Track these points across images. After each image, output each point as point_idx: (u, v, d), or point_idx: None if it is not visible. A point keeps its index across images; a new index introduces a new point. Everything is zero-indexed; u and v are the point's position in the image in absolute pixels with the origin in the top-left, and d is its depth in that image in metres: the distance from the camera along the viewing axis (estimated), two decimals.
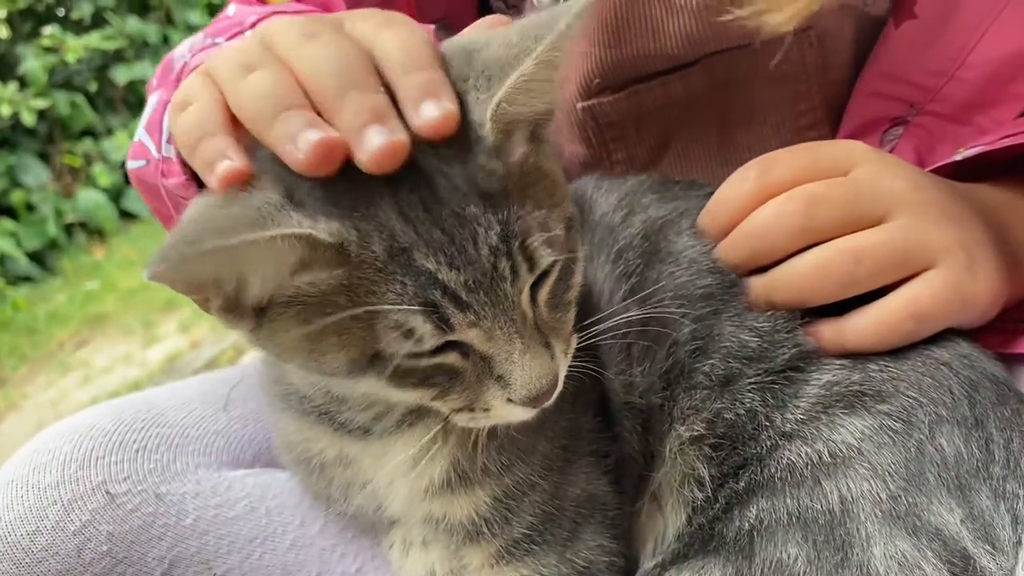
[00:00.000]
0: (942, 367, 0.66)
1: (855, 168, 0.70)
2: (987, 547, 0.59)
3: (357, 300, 0.51)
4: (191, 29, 5.38)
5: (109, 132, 4.94)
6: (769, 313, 0.70)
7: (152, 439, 0.74)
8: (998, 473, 0.62)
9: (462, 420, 0.59)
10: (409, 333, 0.52)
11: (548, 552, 0.67)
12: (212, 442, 0.78)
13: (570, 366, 0.62)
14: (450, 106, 0.52)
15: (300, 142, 0.49)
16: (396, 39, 0.55)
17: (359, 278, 0.51)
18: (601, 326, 0.65)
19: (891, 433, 0.63)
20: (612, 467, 0.71)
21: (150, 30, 5.17)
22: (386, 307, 0.51)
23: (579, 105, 0.92)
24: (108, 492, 0.69)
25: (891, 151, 0.84)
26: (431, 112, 0.51)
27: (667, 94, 0.90)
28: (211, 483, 0.74)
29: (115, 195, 4.87)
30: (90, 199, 4.68)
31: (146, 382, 3.32)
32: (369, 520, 0.75)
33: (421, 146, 0.52)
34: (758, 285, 0.70)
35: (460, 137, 0.53)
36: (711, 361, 0.69)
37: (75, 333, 3.89)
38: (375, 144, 0.50)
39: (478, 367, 0.56)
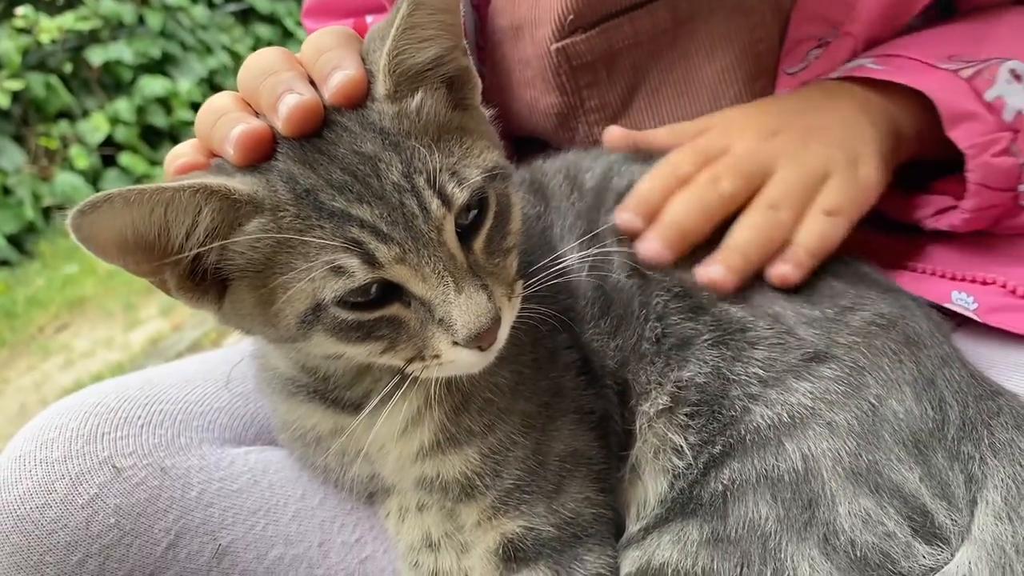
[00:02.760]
0: (872, 328, 0.71)
1: (733, 146, 0.82)
2: (944, 503, 0.63)
3: (291, 251, 0.57)
4: (167, 9, 5.33)
5: (85, 114, 4.87)
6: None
7: (156, 415, 0.76)
8: (952, 434, 0.66)
9: (417, 370, 0.63)
10: (339, 271, 0.56)
11: (537, 502, 0.70)
12: (215, 419, 0.80)
13: (540, 322, 0.67)
14: (352, 71, 0.60)
15: (230, 139, 0.58)
16: (309, 41, 0.64)
17: (286, 228, 0.57)
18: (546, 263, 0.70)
19: (840, 395, 0.67)
20: (596, 423, 0.74)
21: (125, 10, 5.10)
22: (310, 239, 0.56)
23: (553, 47, 0.96)
24: (114, 466, 0.71)
25: (805, 68, 0.92)
26: (335, 80, 0.59)
27: (635, 30, 0.94)
28: (214, 458, 0.77)
29: (93, 177, 4.82)
30: (67, 182, 4.62)
31: (128, 366, 3.31)
32: (365, 488, 0.78)
33: (342, 112, 0.60)
34: (722, 266, 0.75)
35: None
36: (650, 323, 0.74)
37: (55, 317, 3.86)
38: (286, 107, 0.58)
39: (420, 314, 0.60)
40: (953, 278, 0.81)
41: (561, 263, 0.70)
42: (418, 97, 0.61)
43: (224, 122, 0.59)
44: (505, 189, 0.65)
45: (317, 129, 0.59)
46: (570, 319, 0.74)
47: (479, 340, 0.60)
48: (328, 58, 0.61)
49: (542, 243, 0.77)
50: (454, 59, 0.64)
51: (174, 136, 5.36)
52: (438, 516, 0.72)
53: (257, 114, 0.62)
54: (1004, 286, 0.78)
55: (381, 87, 0.60)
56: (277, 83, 0.60)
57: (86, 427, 0.72)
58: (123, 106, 4.96)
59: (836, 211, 0.77)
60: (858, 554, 0.62)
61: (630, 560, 0.69)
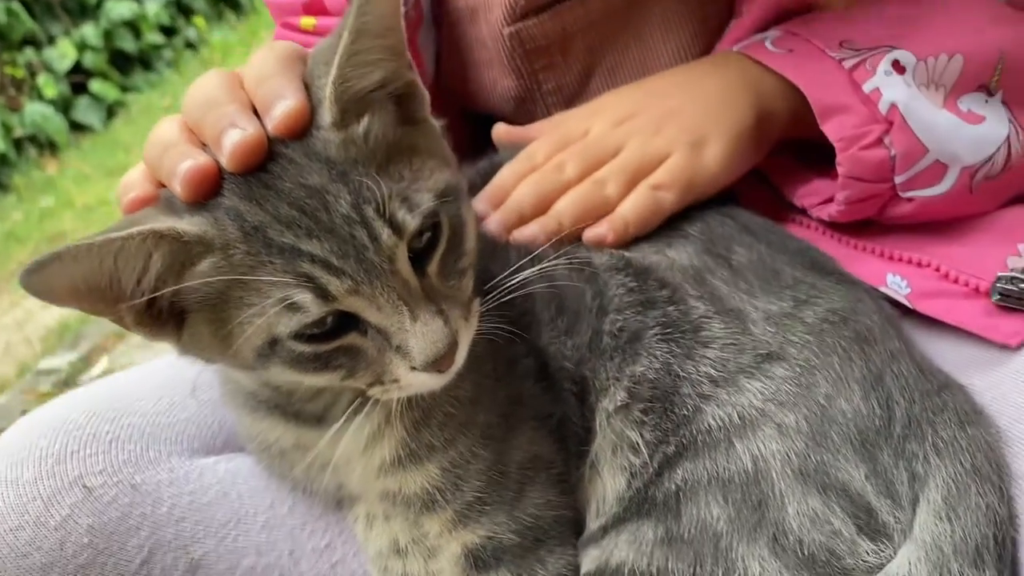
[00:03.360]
0: (824, 325, 0.72)
1: (590, 131, 0.86)
2: (888, 502, 0.65)
3: (244, 287, 0.57)
4: None
5: (51, 41, 4.75)
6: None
7: (124, 429, 0.77)
8: (898, 432, 0.68)
9: (377, 393, 0.64)
10: (293, 307, 0.56)
11: (498, 511, 0.72)
12: (183, 430, 0.81)
13: (497, 333, 0.68)
14: (292, 102, 0.58)
15: (177, 176, 0.57)
16: (252, 63, 0.63)
17: (238, 265, 0.56)
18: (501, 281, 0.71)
19: (791, 395, 0.69)
20: (556, 426, 0.75)
21: None
22: (262, 276, 0.56)
23: (506, 31, 0.95)
24: (85, 486, 0.72)
25: (723, 39, 0.94)
26: (277, 111, 0.58)
27: (587, 12, 0.94)
28: (184, 470, 0.78)
29: (64, 106, 4.73)
30: (37, 111, 4.54)
31: None
32: (333, 496, 0.80)
33: (286, 143, 0.59)
34: (537, 225, 0.81)
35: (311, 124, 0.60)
36: (609, 316, 0.75)
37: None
38: (229, 144, 0.57)
39: (377, 342, 0.60)
40: (891, 257, 0.82)
41: (518, 277, 0.70)
42: (365, 121, 0.60)
43: (171, 156, 0.59)
44: (458, 210, 0.65)
45: (262, 162, 0.58)
46: (527, 323, 0.75)
47: (437, 365, 0.60)
48: (270, 87, 0.60)
49: (496, 252, 0.78)
50: (400, 76, 0.64)
51: (144, 61, 5.24)
52: (404, 524, 0.74)
53: (204, 144, 0.61)
54: (938, 269, 0.79)
55: (327, 115, 0.59)
56: (220, 117, 0.59)
57: (55, 446, 0.73)
58: (90, 31, 4.84)
59: (663, 186, 0.82)
60: (806, 553, 0.64)
61: (590, 559, 0.71)
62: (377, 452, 0.70)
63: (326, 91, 0.59)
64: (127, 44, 5.05)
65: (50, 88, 4.60)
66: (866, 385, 0.69)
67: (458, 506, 0.72)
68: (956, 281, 0.78)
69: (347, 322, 0.59)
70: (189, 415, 0.83)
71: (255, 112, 0.60)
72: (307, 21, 1.01)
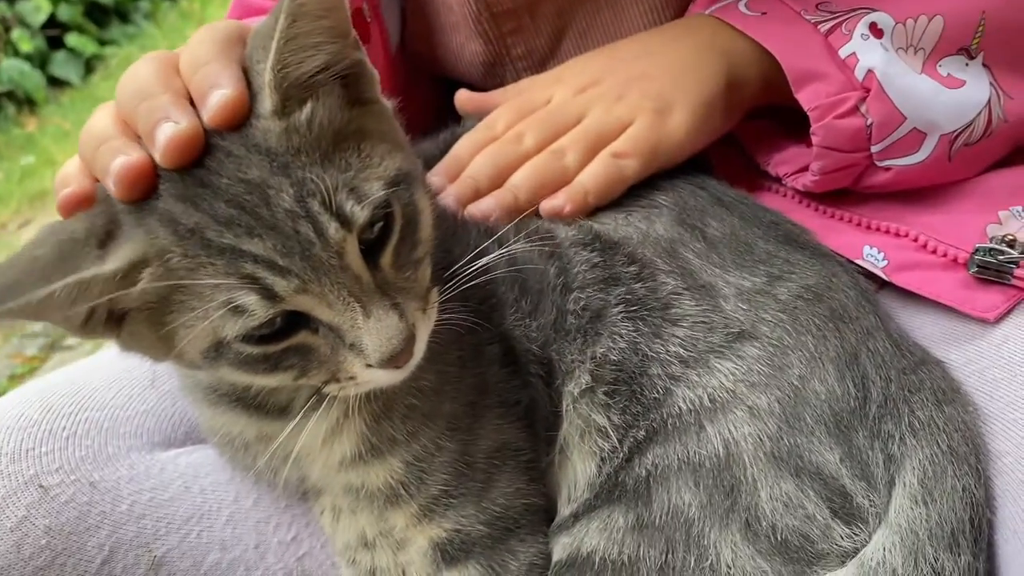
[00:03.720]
0: (798, 302, 0.70)
1: (553, 99, 0.84)
2: (863, 484, 0.64)
3: (185, 291, 0.54)
4: None
5: None
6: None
7: (81, 424, 0.75)
8: (874, 412, 0.66)
9: (333, 391, 0.61)
10: (238, 310, 0.53)
11: (466, 504, 0.71)
12: (142, 423, 0.79)
13: (462, 319, 0.66)
14: (228, 91, 0.55)
15: (110, 174, 0.54)
16: (189, 46, 0.59)
17: (176, 269, 0.54)
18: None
19: (763, 376, 0.67)
20: (523, 413, 0.74)
21: None
22: (202, 280, 0.53)
23: None
24: (41, 485, 0.70)
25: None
26: (212, 101, 0.55)
27: None
28: (144, 466, 0.76)
29: (41, 61, 4.64)
30: (14, 67, 4.45)
31: None
32: (297, 489, 0.78)
33: (224, 135, 0.55)
34: (493, 199, 0.79)
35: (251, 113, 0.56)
36: (572, 294, 0.73)
37: (17, 212, 3.79)
38: (162, 139, 0.54)
39: (330, 340, 0.58)
40: (868, 227, 0.80)
41: (480, 262, 0.68)
42: (308, 108, 0.57)
43: (104, 152, 0.56)
44: (411, 197, 0.62)
45: (198, 156, 0.55)
46: (490, 308, 0.73)
47: (394, 361, 0.58)
48: (205, 74, 0.56)
49: (457, 233, 0.75)
50: (344, 57, 0.60)
51: (121, 13, 5.12)
52: (371, 518, 0.73)
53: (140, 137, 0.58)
54: (916, 239, 0.77)
55: (268, 102, 0.56)
56: (152, 109, 0.55)
57: (10, 444, 0.71)
58: None
59: (625, 154, 0.79)
60: (779, 538, 0.63)
61: (561, 546, 0.70)
62: (337, 447, 0.68)
63: (265, 78, 0.55)
64: None
65: (25, 43, 4.50)
66: (841, 364, 0.68)
67: (423, 500, 0.70)
68: (934, 252, 0.76)
69: (297, 320, 0.57)
70: (148, 407, 0.81)
71: (192, 101, 0.57)
72: None
